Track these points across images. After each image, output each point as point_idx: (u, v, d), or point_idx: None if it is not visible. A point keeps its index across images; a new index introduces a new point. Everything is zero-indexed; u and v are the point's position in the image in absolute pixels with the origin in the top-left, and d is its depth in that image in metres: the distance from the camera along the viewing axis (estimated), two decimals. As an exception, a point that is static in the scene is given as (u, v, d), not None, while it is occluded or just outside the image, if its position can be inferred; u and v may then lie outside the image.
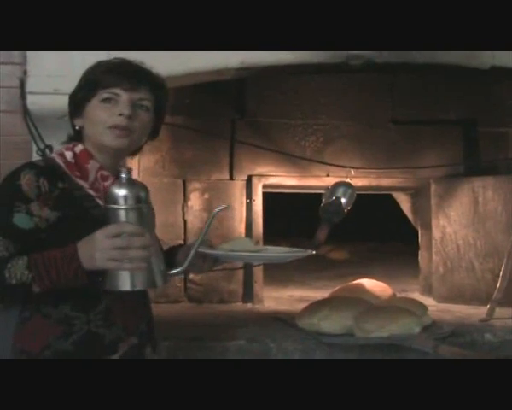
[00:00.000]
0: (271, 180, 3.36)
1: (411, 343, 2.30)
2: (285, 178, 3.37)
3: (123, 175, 1.45)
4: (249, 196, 3.32)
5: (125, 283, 1.42)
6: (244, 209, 3.31)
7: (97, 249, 1.39)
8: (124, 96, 1.58)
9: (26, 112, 2.32)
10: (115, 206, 1.43)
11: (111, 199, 1.44)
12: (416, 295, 3.38)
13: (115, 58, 1.65)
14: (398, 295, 3.18)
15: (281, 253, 1.78)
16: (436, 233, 3.35)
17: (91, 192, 1.56)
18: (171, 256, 1.79)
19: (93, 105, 1.60)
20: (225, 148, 3.31)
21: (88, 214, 1.54)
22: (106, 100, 1.59)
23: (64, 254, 1.42)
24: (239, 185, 3.31)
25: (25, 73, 2.32)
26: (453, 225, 3.29)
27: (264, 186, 3.36)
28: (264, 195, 3.38)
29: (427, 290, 3.45)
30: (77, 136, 1.65)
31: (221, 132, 3.28)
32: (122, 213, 1.43)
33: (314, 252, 1.75)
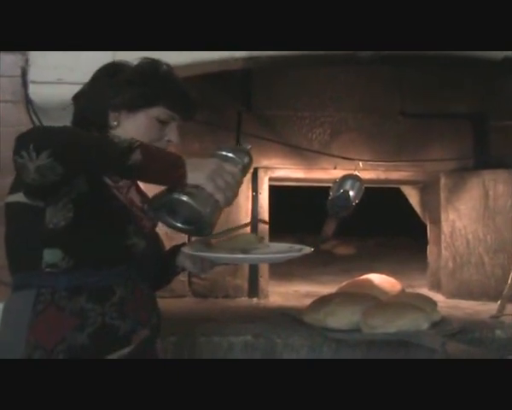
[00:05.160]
0: (278, 173, 3.36)
1: (419, 340, 2.28)
2: (292, 171, 3.37)
3: (249, 146, 1.63)
4: (255, 189, 3.32)
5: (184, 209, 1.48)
6: (250, 203, 3.31)
7: (211, 167, 1.46)
8: (176, 122, 1.62)
9: (28, 102, 2.30)
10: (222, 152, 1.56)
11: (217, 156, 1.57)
12: (425, 291, 3.37)
13: (170, 69, 1.66)
14: (407, 290, 3.16)
15: (275, 253, 1.75)
16: (445, 228, 3.33)
17: (110, 183, 1.57)
18: (172, 257, 1.78)
19: (145, 115, 1.60)
20: (231, 140, 3.30)
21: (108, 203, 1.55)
22: (161, 120, 1.60)
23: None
24: (246, 178, 3.28)
25: (27, 61, 2.30)
26: (463, 219, 3.27)
27: (271, 179, 3.35)
28: (271, 188, 3.37)
29: (436, 286, 3.44)
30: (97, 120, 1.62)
31: (227, 125, 3.27)
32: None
33: (312, 250, 1.73)
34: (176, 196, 1.48)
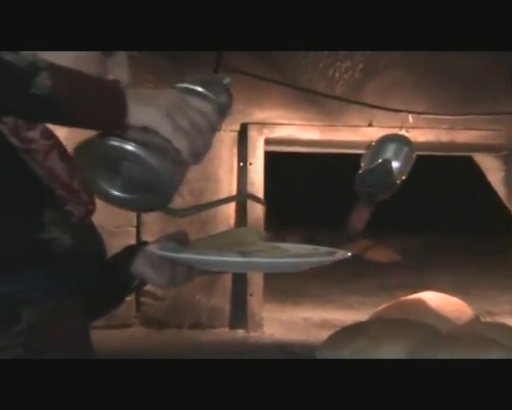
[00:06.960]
0: (279, 132, 3.33)
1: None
2: (301, 129, 3.33)
3: (226, 82, 1.55)
4: (243, 156, 3.30)
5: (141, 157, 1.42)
6: (235, 179, 3.29)
7: (167, 99, 1.42)
8: (126, 52, 1.59)
9: None
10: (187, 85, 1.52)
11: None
12: (509, 321, 3.34)
13: None
14: (482, 319, 3.14)
15: (295, 257, 1.72)
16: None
17: (17, 143, 1.55)
18: (124, 263, 1.75)
19: None
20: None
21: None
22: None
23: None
24: (228, 140, 3.28)
25: None
26: None
27: (268, 142, 3.32)
28: (267, 156, 3.34)
29: (528, 312, 3.42)
30: None
31: (202, 58, 3.19)
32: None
33: (349, 254, 1.71)
34: (113, 143, 1.45)
